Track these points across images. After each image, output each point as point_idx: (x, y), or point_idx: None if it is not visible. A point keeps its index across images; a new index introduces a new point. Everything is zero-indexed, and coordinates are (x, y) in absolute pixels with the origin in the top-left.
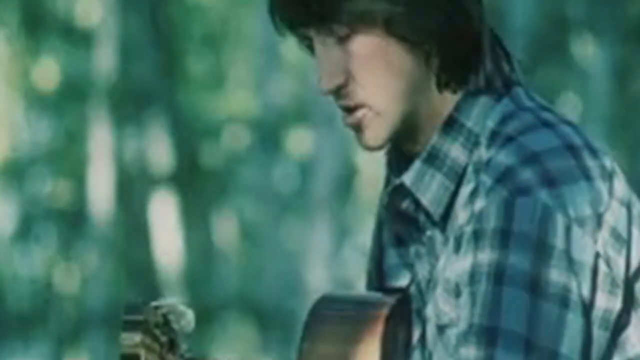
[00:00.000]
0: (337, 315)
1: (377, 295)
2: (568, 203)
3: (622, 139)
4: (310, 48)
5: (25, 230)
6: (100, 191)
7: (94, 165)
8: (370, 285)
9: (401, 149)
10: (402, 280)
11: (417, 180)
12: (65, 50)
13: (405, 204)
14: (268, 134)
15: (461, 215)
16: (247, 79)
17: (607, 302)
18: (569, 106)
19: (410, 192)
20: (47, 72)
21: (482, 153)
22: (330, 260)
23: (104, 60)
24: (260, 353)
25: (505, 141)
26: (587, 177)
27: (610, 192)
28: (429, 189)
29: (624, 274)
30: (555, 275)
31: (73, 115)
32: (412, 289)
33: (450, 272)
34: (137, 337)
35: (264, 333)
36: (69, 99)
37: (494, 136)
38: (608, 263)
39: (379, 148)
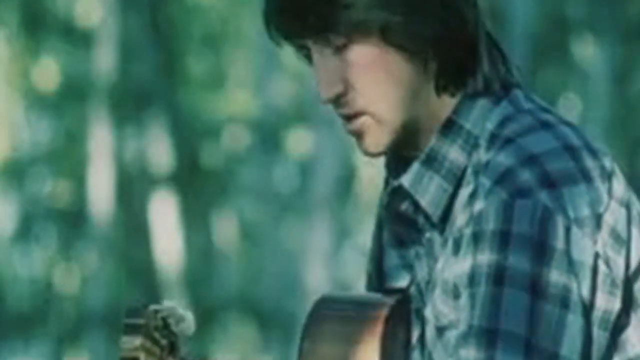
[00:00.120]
0: (337, 315)
1: (377, 295)
2: (567, 204)
3: (622, 139)
4: (308, 57)
5: (25, 230)
6: (100, 191)
7: (94, 165)
8: (370, 286)
9: (400, 152)
10: (402, 281)
11: (416, 182)
12: (65, 50)
13: (404, 206)
14: (268, 134)
15: (460, 217)
16: (247, 79)
17: (607, 303)
18: (569, 106)
19: (409, 193)
20: (47, 72)
21: (481, 155)
22: (330, 261)
23: (104, 60)
24: (260, 353)
25: (504, 143)
26: (587, 178)
27: (610, 193)
28: (427, 191)
29: (623, 275)
30: (555, 276)
31: (73, 115)
32: (412, 289)
33: (449, 274)
34: (137, 341)
35: (264, 333)
36: (69, 99)
37: (493, 138)
38: (608, 263)
39: (380, 154)
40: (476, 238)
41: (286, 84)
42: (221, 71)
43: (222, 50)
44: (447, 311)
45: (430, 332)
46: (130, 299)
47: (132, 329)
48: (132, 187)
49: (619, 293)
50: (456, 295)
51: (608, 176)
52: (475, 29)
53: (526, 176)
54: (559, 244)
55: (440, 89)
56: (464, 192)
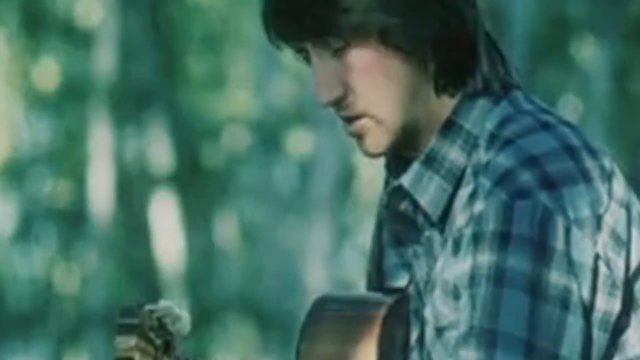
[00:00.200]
0: (335, 315)
1: (375, 295)
2: (567, 205)
3: (622, 140)
4: (307, 59)
5: (25, 230)
6: (100, 191)
7: (94, 165)
8: (369, 286)
9: (400, 152)
10: (402, 281)
11: (416, 182)
12: (65, 50)
13: (404, 205)
14: (268, 135)
15: (460, 217)
16: (247, 79)
17: (607, 304)
18: (569, 107)
19: (408, 193)
20: (47, 72)
21: (481, 155)
22: (330, 261)
23: (104, 60)
24: (260, 353)
25: (504, 144)
26: (587, 179)
27: (610, 194)
28: (427, 190)
29: (623, 275)
30: (555, 277)
31: (73, 115)
32: (411, 289)
33: (449, 274)
34: (131, 341)
35: (264, 333)
36: (69, 99)
37: (492, 139)
38: (608, 264)
39: (380, 155)
40: (476, 239)
41: (286, 84)
42: (221, 71)
43: (222, 50)
44: (447, 312)
45: (429, 332)
46: (130, 299)
47: (126, 329)
48: (132, 187)
49: (619, 294)
50: (456, 296)
51: (608, 177)
52: (474, 29)
53: (526, 177)
54: (559, 244)
55: (439, 90)
56: (464, 192)
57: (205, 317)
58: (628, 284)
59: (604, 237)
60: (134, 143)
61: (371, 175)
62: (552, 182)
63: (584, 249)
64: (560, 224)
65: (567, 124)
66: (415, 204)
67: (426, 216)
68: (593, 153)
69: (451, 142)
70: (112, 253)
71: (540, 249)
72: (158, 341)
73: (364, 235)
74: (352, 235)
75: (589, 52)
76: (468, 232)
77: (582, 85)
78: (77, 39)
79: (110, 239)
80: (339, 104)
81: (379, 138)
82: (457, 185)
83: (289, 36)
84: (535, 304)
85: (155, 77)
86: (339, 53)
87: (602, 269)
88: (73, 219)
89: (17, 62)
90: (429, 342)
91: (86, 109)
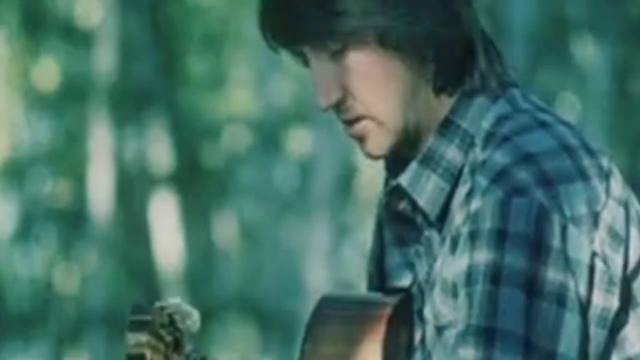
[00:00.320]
0: (339, 315)
1: (379, 295)
2: (564, 203)
3: (622, 139)
4: (305, 62)
5: (25, 230)
6: (100, 191)
7: (94, 165)
8: (370, 286)
9: (400, 152)
10: (404, 280)
11: (414, 182)
12: (65, 50)
13: (403, 205)
14: (268, 134)
15: (457, 215)
16: (247, 79)
17: (605, 301)
18: (569, 106)
19: (406, 193)
20: (47, 72)
21: (478, 154)
22: (330, 260)
23: (104, 60)
24: (260, 353)
25: (500, 142)
26: (584, 177)
27: (607, 192)
28: (424, 190)
29: (621, 273)
30: (552, 274)
31: (73, 115)
32: (414, 289)
33: (447, 273)
34: (142, 337)
35: (264, 333)
36: (69, 99)
37: (489, 137)
38: (605, 261)
39: (383, 156)
40: (473, 237)
41: (286, 84)
42: (221, 71)
43: (222, 50)
44: (446, 311)
45: (429, 332)
46: (130, 299)
47: (137, 326)
48: (132, 187)
49: (617, 291)
50: (455, 295)
51: (606, 175)
52: (472, 28)
53: (522, 175)
54: (556, 242)
55: (438, 89)
56: (461, 191)
57: (205, 317)
58: (626, 281)
59: (601, 234)
60: (134, 143)
61: (371, 174)
62: (549, 180)
63: (580, 246)
64: (556, 221)
65: (565, 122)
66: (414, 204)
67: (425, 215)
68: (591, 152)
69: (449, 141)
70: (112, 253)
71: (537, 247)
72: (168, 338)
73: (364, 235)
74: (352, 234)
75: (588, 52)
76: (465, 230)
77: (581, 84)
78: (77, 39)
79: (110, 239)
80: (338, 107)
81: (380, 140)
82: (454, 184)
83: (287, 40)
84: (532, 301)
85: (155, 77)
86: (337, 56)
87: (599, 265)
88: (73, 219)
89: (17, 62)
90: (429, 342)
91: (86, 109)
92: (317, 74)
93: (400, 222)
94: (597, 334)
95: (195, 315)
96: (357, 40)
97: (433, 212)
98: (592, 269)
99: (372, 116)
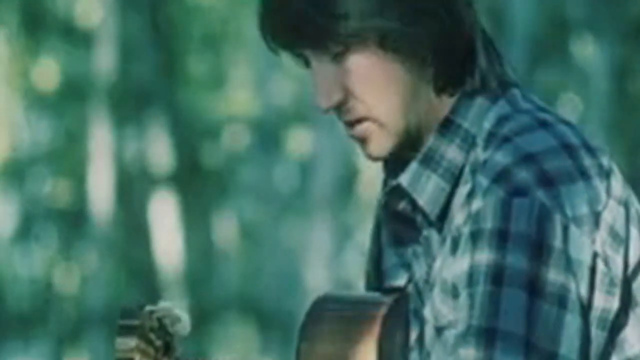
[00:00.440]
0: (335, 314)
1: (375, 295)
2: (565, 203)
3: (622, 139)
4: (306, 63)
5: (25, 230)
6: (100, 191)
7: (94, 165)
8: (369, 286)
9: (400, 153)
10: (401, 280)
11: (414, 182)
12: (65, 50)
13: (402, 205)
14: (268, 134)
15: (458, 215)
16: (247, 79)
17: (605, 302)
18: (569, 106)
19: (406, 193)
20: (47, 72)
21: (479, 154)
22: (330, 260)
23: (104, 60)
24: (260, 353)
25: (501, 142)
26: (585, 177)
27: (608, 191)
28: (425, 190)
29: (622, 273)
30: (553, 275)
31: (73, 115)
32: (410, 288)
33: (448, 273)
34: (132, 342)
35: (264, 333)
36: (69, 99)
37: (490, 137)
38: (606, 262)
39: (384, 158)
40: (474, 237)
41: (286, 84)
42: (221, 71)
43: (222, 50)
44: (446, 311)
45: (429, 332)
46: (130, 299)
47: (126, 330)
48: (132, 187)
49: (617, 292)
50: (455, 295)
51: (606, 174)
52: (472, 28)
53: (523, 175)
54: (557, 242)
55: (439, 90)
56: (462, 191)
57: (205, 317)
58: (626, 282)
59: (602, 234)
60: (134, 143)
61: (372, 174)
62: (550, 180)
63: (581, 246)
64: (558, 221)
65: (565, 122)
66: (414, 204)
67: (425, 215)
68: (591, 151)
69: (449, 141)
70: (112, 253)
71: (538, 247)
72: (158, 342)
73: (365, 235)
74: (352, 235)
75: (588, 52)
76: (466, 230)
77: (581, 84)
78: (77, 39)
79: (110, 239)
80: (339, 108)
81: (382, 141)
82: (455, 184)
83: (288, 43)
84: (534, 302)
85: (155, 77)
86: (338, 58)
87: (600, 266)
88: (73, 219)
89: (17, 62)
90: (429, 342)
91: (86, 109)
92: (318, 76)
93: (400, 222)
94: (597, 335)
95: (185, 319)
96: (357, 43)
97: (433, 212)
98: (593, 270)
99: (373, 118)
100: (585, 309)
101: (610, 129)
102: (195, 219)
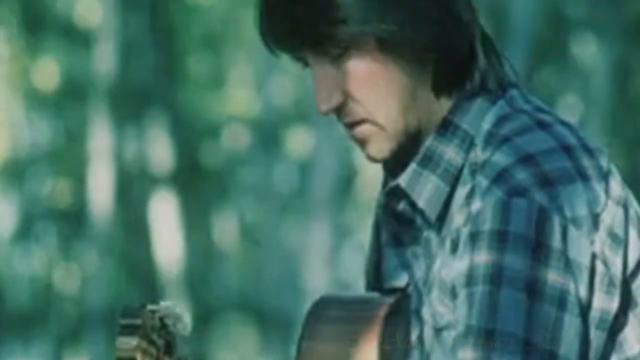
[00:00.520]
0: (336, 315)
1: (376, 295)
2: (564, 204)
3: (622, 139)
4: (306, 63)
5: (25, 230)
6: (100, 191)
7: (94, 165)
8: (368, 286)
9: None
10: (401, 281)
11: (413, 182)
12: (65, 50)
13: (402, 206)
14: (268, 134)
15: (457, 216)
16: (248, 79)
17: (604, 303)
18: (569, 106)
19: (405, 193)
20: (47, 72)
21: (478, 154)
22: (330, 261)
23: (104, 60)
24: (260, 353)
25: (500, 142)
26: (583, 178)
27: (607, 192)
28: (424, 190)
29: (621, 274)
30: (553, 276)
31: (73, 115)
32: (410, 289)
33: (446, 274)
34: (133, 341)
35: (264, 333)
36: (69, 99)
37: (489, 138)
38: (605, 263)
39: (384, 159)
40: (473, 238)
41: (286, 84)
42: (221, 71)
43: (222, 50)
44: (445, 312)
45: (428, 333)
46: (130, 299)
47: (128, 329)
48: (132, 187)
49: (616, 293)
50: (453, 295)
51: (605, 175)
52: (472, 29)
53: (522, 175)
54: (556, 243)
55: (438, 91)
56: (461, 192)
57: (205, 317)
58: (625, 282)
59: (601, 235)
60: (134, 143)
61: (371, 175)
62: (549, 181)
63: (580, 247)
64: (557, 222)
65: (564, 123)
66: (413, 204)
67: (424, 216)
68: (590, 152)
69: (448, 142)
70: (112, 253)
71: (537, 248)
72: (160, 342)
73: (365, 235)
74: (352, 235)
75: (589, 51)
76: (465, 231)
77: (582, 84)
78: (77, 39)
79: (110, 239)
80: (339, 110)
81: (382, 143)
82: (454, 184)
83: (287, 46)
84: (533, 303)
85: (155, 77)
86: (337, 61)
87: (600, 267)
88: (73, 219)
89: (17, 62)
90: (428, 343)
91: (86, 109)
92: (317, 78)
93: (399, 223)
94: (596, 336)
95: (187, 318)
96: (357, 46)
97: (432, 212)
98: (592, 271)
99: (373, 120)
100: (585, 309)
101: (610, 129)
102: (196, 219)
